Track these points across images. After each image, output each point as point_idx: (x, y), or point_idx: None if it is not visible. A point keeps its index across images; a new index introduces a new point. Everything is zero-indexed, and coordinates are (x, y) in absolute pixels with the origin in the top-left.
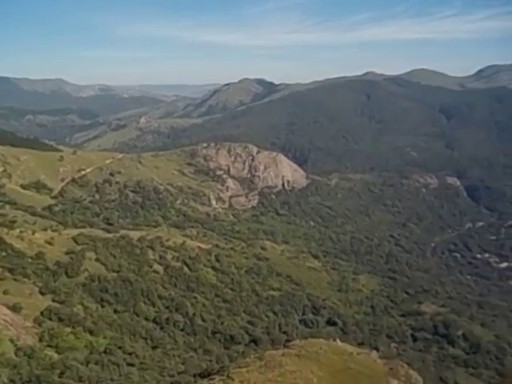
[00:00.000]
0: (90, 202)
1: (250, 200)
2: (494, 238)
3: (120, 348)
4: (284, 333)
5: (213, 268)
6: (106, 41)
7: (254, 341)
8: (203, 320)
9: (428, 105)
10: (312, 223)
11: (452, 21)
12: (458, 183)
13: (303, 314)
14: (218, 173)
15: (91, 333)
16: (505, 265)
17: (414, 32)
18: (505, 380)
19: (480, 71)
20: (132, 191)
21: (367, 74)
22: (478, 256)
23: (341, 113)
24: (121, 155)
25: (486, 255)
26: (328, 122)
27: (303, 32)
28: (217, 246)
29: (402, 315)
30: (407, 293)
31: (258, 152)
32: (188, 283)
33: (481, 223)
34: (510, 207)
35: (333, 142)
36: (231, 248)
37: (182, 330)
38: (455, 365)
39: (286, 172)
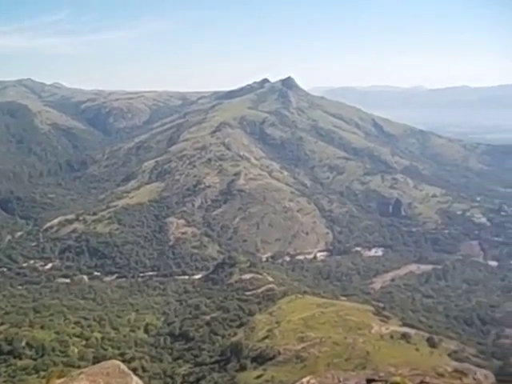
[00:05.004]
0: None
1: None
2: (34, 244)
3: None
4: None
5: None
6: None
7: None
8: None
9: None
10: None
11: None
12: None
13: None
14: None
15: None
16: (52, 265)
17: None
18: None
19: None
20: None
21: None
22: (25, 265)
23: None
24: None
25: (32, 262)
26: None
27: None
28: None
29: None
30: None
31: None
32: None
33: (19, 233)
34: (43, 212)
35: None
36: None
37: None
38: (27, 375)
39: None
